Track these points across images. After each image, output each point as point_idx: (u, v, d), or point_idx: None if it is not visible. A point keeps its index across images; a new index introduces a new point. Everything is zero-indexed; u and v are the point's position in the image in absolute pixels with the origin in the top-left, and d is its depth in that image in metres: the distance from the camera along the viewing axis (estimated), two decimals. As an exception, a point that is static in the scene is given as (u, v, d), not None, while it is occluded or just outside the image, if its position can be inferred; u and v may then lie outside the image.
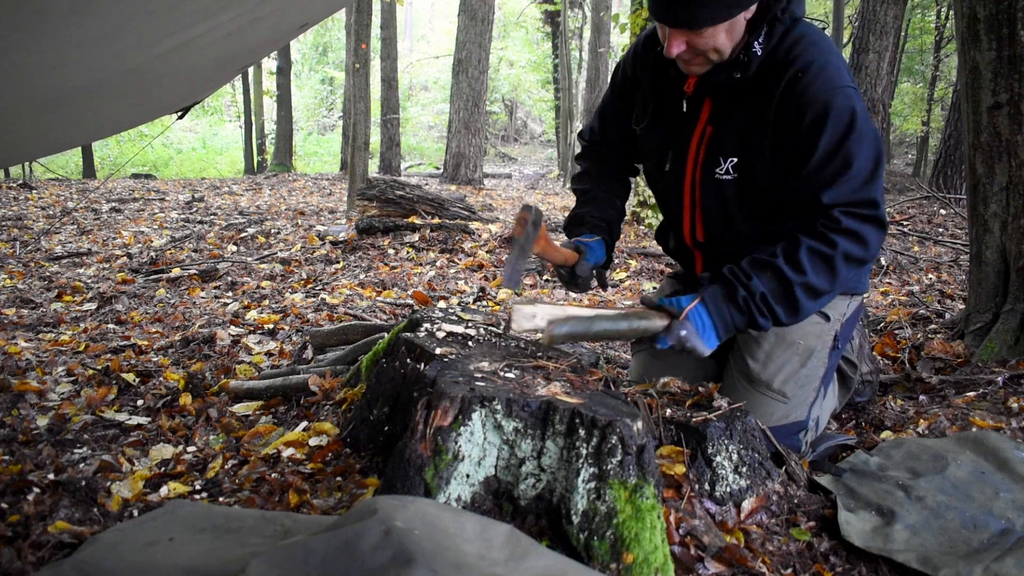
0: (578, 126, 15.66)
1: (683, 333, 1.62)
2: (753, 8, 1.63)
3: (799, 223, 1.67)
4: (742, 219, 1.82)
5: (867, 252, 1.65)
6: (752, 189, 1.77)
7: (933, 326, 2.99)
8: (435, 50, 28.76)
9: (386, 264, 4.89)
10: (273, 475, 1.77)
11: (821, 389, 1.93)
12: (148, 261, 5.43)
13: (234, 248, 5.98)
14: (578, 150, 2.21)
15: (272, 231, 6.53)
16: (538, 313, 1.61)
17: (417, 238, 5.38)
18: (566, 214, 2.20)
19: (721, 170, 1.78)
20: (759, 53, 1.67)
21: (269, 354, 3.01)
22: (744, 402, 1.84)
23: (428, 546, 0.99)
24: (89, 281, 4.84)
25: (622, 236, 6.26)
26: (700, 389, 1.79)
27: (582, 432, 1.37)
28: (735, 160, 1.75)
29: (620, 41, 9.04)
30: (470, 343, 1.79)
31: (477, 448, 1.41)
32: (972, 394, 2.25)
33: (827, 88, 1.62)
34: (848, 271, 1.65)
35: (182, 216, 7.88)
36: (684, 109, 1.81)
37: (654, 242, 6.06)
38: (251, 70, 15.74)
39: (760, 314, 1.65)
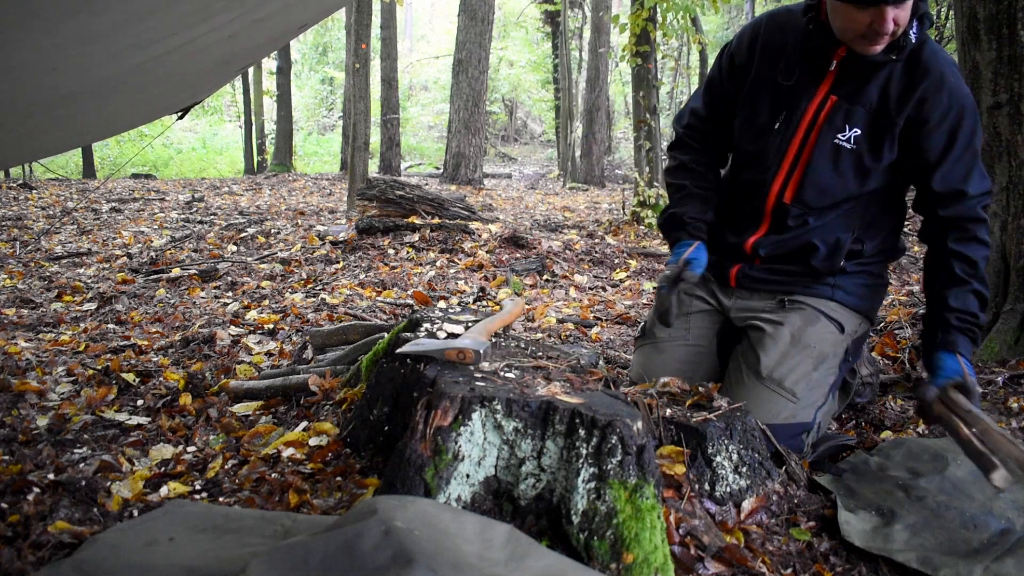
0: (578, 126, 15.65)
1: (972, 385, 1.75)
2: None
3: (950, 219, 1.83)
4: (838, 190, 1.89)
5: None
6: (863, 166, 1.86)
7: (933, 326, 2.99)
8: (435, 50, 28.75)
9: (386, 264, 4.89)
10: (273, 475, 1.77)
11: (829, 395, 1.94)
12: (148, 261, 5.43)
13: (234, 248, 5.98)
14: (673, 138, 2.22)
15: (272, 231, 6.53)
16: None
17: (417, 238, 5.38)
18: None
19: (843, 137, 1.86)
20: (912, 40, 1.78)
21: (269, 354, 3.01)
22: (750, 398, 1.84)
23: (428, 546, 0.99)
24: (89, 281, 4.84)
25: (622, 236, 6.26)
26: (700, 389, 1.79)
27: (582, 432, 1.37)
28: (859, 132, 1.84)
29: (620, 41, 9.02)
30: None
31: (477, 448, 1.41)
32: (972, 394, 2.25)
33: (965, 91, 1.82)
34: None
35: (182, 216, 7.89)
36: (831, 68, 1.85)
37: (654, 242, 6.07)
38: (251, 70, 15.74)
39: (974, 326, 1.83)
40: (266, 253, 5.54)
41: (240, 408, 2.30)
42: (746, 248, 2.00)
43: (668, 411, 1.67)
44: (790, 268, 1.99)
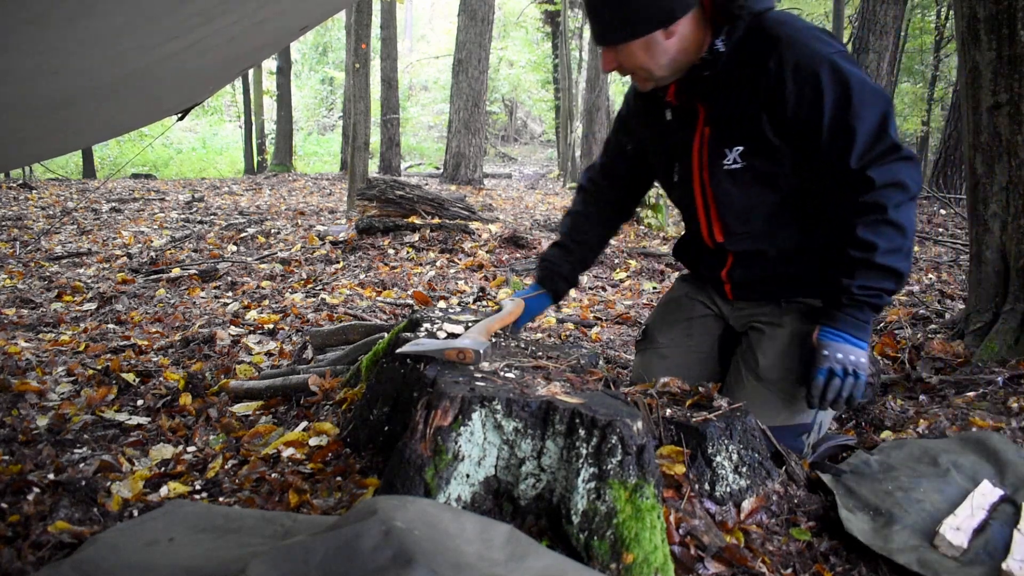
0: (578, 126, 15.65)
1: (826, 353, 1.72)
2: (675, 26, 1.64)
3: (844, 195, 1.70)
4: (759, 207, 1.83)
5: (910, 191, 1.68)
6: (763, 174, 1.78)
7: (933, 326, 2.99)
8: (435, 50, 28.76)
9: (386, 264, 4.89)
10: (273, 475, 1.78)
11: None
12: (148, 261, 5.43)
13: (234, 248, 5.98)
14: (581, 182, 2.26)
15: (272, 231, 6.53)
16: None
17: (417, 238, 5.38)
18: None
19: (728, 160, 1.79)
20: (722, 50, 1.69)
21: (269, 354, 3.01)
22: (751, 400, 1.84)
23: (428, 546, 0.99)
24: (89, 281, 4.84)
25: (622, 236, 6.26)
26: (700, 389, 1.79)
27: (582, 432, 1.37)
28: (741, 149, 1.77)
29: (620, 41, 9.02)
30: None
31: (477, 448, 1.41)
32: (972, 394, 2.25)
33: (811, 63, 1.63)
34: (907, 213, 1.68)
35: (182, 216, 7.89)
36: (669, 118, 1.86)
37: (654, 242, 6.07)
38: (251, 70, 15.74)
39: (874, 298, 1.70)
40: (266, 253, 5.54)
41: (240, 408, 2.31)
42: (722, 278, 2.01)
43: (668, 411, 1.67)
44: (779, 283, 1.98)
